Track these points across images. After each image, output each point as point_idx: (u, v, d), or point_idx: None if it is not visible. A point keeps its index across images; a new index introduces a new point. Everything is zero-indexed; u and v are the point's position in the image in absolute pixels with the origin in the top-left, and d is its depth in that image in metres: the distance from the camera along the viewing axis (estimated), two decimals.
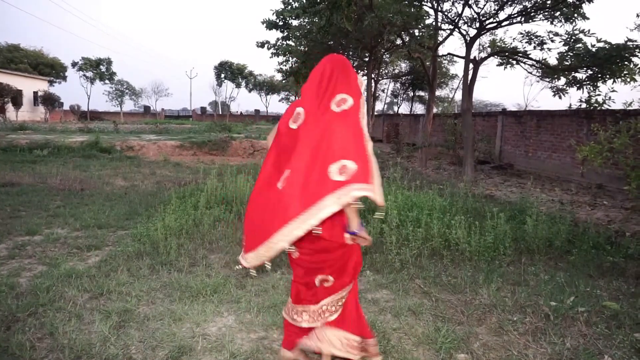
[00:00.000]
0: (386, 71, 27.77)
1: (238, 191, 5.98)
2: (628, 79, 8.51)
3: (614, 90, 8.54)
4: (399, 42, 13.80)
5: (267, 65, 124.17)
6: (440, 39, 12.39)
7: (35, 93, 34.44)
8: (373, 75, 21.16)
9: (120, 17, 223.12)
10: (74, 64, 41.07)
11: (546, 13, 9.44)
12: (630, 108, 7.23)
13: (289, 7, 18.07)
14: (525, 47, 10.30)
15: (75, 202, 6.42)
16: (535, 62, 10.51)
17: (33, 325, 2.75)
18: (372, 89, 21.04)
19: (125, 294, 3.24)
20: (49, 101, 33.61)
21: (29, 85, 33.61)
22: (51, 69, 40.72)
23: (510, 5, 9.80)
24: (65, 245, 4.44)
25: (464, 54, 10.62)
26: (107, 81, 43.63)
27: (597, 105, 8.61)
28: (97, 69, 42.05)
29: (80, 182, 7.90)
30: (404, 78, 28.76)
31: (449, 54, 19.85)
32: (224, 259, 4.11)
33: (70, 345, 2.53)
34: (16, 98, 29.68)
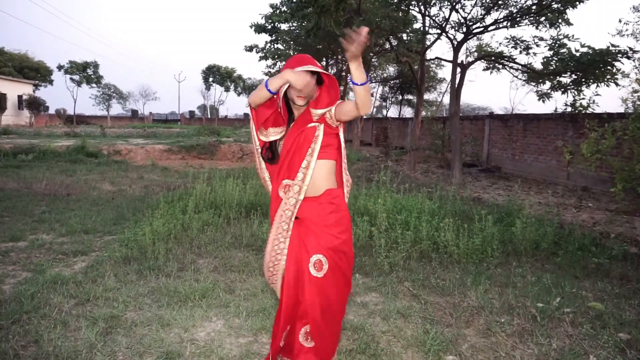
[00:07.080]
0: (375, 75, 27.90)
1: (227, 195, 5.95)
2: (611, 82, 8.68)
3: (598, 94, 8.71)
4: (387, 46, 13.88)
5: (255, 69, 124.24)
6: (427, 43, 12.50)
7: (19, 97, 33.88)
8: None
9: (107, 21, 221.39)
10: (60, 67, 40.50)
11: (531, 18, 9.61)
12: (616, 112, 7.35)
13: (277, 11, 18.11)
14: (511, 52, 10.47)
15: (61, 207, 6.32)
16: (521, 67, 10.67)
17: (17, 333, 2.70)
18: None
19: (112, 300, 3.20)
20: (34, 105, 33.01)
21: (13, 89, 33.06)
22: (36, 73, 40.11)
23: (497, 11, 9.95)
24: (50, 251, 4.37)
25: (451, 58, 10.74)
26: (94, 85, 43.11)
27: (582, 108, 8.76)
28: (84, 72, 41.53)
29: (66, 187, 7.79)
30: (392, 82, 28.92)
31: (436, 58, 19.93)
32: (212, 263, 4.08)
33: (55, 352, 2.49)
34: (0, 102, 29.18)
